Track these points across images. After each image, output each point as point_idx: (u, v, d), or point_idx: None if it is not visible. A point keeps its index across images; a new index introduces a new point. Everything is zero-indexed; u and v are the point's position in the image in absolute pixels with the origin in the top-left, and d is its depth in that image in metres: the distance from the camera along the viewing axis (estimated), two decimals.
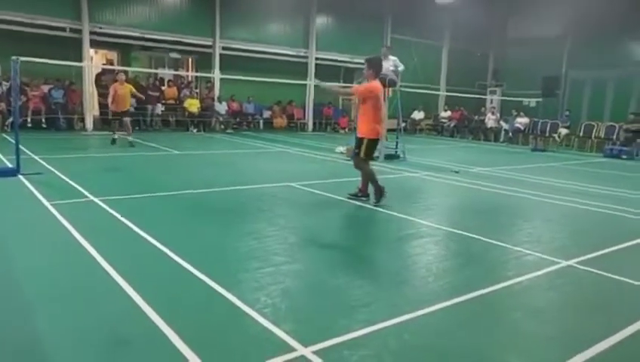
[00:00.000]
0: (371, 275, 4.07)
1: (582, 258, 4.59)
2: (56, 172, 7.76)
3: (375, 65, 6.56)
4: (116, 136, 11.52)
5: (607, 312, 3.51)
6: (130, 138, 11.65)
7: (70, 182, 7.07)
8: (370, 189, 6.60)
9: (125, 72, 16.70)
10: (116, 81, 11.59)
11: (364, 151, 6.48)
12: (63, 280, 3.63)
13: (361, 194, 6.68)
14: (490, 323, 3.27)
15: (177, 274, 3.78)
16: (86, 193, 6.35)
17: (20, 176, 7.21)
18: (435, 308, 3.35)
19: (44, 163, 8.51)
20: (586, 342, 2.95)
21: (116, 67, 16.90)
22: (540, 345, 3.01)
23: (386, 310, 3.29)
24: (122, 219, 5.17)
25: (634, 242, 5.30)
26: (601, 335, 3.05)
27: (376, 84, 6.48)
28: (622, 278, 4.12)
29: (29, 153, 9.25)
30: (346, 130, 20.36)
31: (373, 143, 6.49)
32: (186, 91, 17.81)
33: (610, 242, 5.18)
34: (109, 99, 11.36)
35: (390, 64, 11.69)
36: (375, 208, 6.36)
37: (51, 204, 5.67)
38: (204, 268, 3.83)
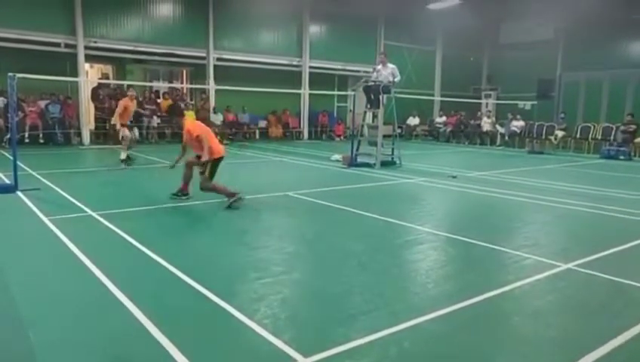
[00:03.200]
0: (370, 283, 4.06)
1: (582, 260, 4.60)
2: (54, 187, 7.76)
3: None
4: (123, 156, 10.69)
5: (609, 315, 3.51)
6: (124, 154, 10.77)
7: (68, 197, 7.06)
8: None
9: (121, 86, 16.85)
10: (125, 96, 11.04)
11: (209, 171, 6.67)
12: (61, 296, 3.62)
13: (182, 193, 7.08)
14: (491, 329, 3.27)
15: (176, 286, 3.77)
16: (84, 208, 6.34)
17: (19, 193, 7.20)
18: (436, 315, 3.34)
19: (42, 178, 8.50)
20: (588, 346, 2.95)
21: (112, 81, 16.94)
22: (541, 350, 3.01)
23: (386, 317, 3.28)
24: (124, 234, 5.17)
25: (634, 243, 5.30)
26: (603, 338, 3.05)
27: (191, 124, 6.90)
28: (622, 280, 4.12)
29: (27, 169, 9.24)
30: (342, 137, 20.41)
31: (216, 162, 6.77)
32: (181, 104, 17.78)
33: (609, 244, 5.18)
34: (117, 114, 10.57)
35: (389, 72, 11.77)
36: (373, 216, 6.36)
37: (49, 220, 5.66)
38: (203, 280, 3.82)
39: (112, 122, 11.09)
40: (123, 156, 10.61)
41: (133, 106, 10.97)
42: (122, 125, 10.53)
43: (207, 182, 6.61)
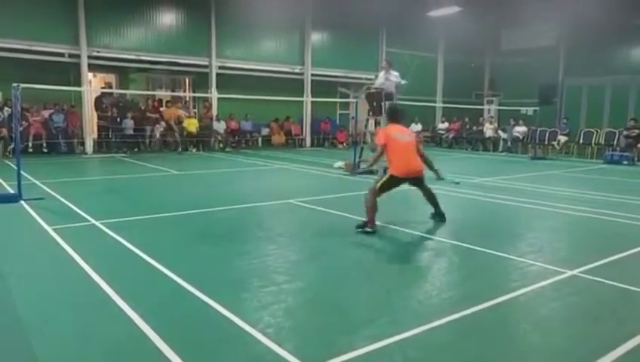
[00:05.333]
0: (374, 290, 4.04)
1: (586, 267, 4.57)
2: (57, 196, 7.77)
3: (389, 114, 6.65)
4: None
5: (614, 322, 3.48)
6: None
7: (72, 206, 7.08)
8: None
9: (124, 95, 16.95)
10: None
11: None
12: (64, 304, 3.62)
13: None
14: (495, 336, 3.25)
15: (179, 295, 3.76)
16: (87, 217, 6.35)
17: (22, 202, 7.21)
18: (440, 323, 3.32)
19: (45, 188, 8.53)
20: (594, 353, 2.92)
21: (115, 90, 17.02)
22: (546, 358, 2.99)
23: (390, 326, 3.26)
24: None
25: (639, 249, 5.27)
26: (609, 345, 3.02)
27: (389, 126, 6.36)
28: (628, 286, 4.09)
29: (31, 178, 9.27)
30: (344, 144, 20.42)
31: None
32: (184, 112, 17.87)
33: (614, 250, 5.15)
34: None
35: (392, 79, 11.77)
36: (377, 223, 6.33)
37: (53, 229, 5.67)
38: (207, 288, 3.81)
39: None
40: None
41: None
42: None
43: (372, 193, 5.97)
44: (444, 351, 3.01)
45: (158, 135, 12.19)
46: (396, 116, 6.47)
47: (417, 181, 6.26)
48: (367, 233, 5.77)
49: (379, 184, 6.00)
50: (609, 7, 18.10)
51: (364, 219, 5.91)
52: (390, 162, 6.09)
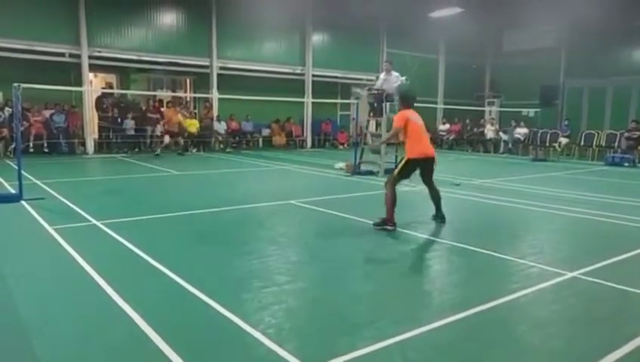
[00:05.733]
0: (374, 291, 4.05)
1: (587, 268, 4.57)
2: (58, 196, 7.78)
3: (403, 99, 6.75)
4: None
5: (614, 323, 3.48)
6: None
7: (72, 206, 7.08)
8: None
9: (125, 95, 16.96)
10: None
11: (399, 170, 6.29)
12: (65, 305, 3.62)
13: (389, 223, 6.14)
14: (495, 338, 3.25)
15: (180, 296, 3.77)
16: (88, 217, 6.36)
17: (23, 202, 7.22)
18: (440, 324, 3.32)
19: (46, 188, 8.54)
20: (594, 355, 2.92)
21: (115, 90, 17.04)
22: (546, 359, 2.99)
23: (390, 327, 3.26)
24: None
25: (639, 251, 5.26)
26: (609, 347, 3.02)
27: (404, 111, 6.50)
28: (628, 288, 4.09)
29: (32, 178, 9.28)
30: (345, 145, 20.42)
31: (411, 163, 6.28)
32: (184, 112, 17.86)
33: (614, 252, 5.15)
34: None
35: (392, 80, 11.80)
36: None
37: (54, 229, 5.67)
38: (207, 289, 3.82)
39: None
40: (158, 151, 14.85)
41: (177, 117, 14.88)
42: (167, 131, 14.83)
43: (391, 182, 6.16)
44: (445, 352, 3.01)
45: (167, 140, 14.76)
46: (410, 101, 6.60)
47: (430, 167, 6.35)
48: (388, 231, 5.89)
49: (396, 171, 6.21)
50: (610, 9, 18.13)
51: (382, 217, 6.01)
52: (408, 146, 6.26)
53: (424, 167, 6.33)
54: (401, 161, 6.37)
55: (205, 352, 2.91)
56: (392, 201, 6.05)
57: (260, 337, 3.06)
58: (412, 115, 6.40)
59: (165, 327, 3.17)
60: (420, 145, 6.24)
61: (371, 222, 6.24)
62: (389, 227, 5.97)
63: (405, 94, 6.84)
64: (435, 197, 6.52)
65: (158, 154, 14.67)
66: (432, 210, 6.53)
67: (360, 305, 3.69)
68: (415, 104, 6.69)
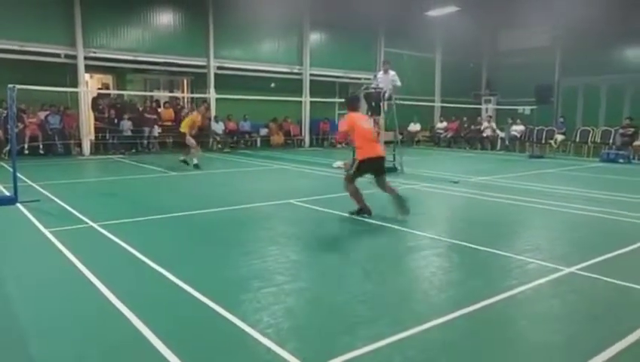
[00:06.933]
0: (374, 290, 4.04)
1: (584, 264, 4.58)
2: (54, 198, 7.75)
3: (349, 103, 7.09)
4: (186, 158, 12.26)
5: (612, 318, 3.49)
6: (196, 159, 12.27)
7: (68, 208, 7.05)
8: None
9: (121, 95, 16.89)
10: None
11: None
12: (62, 307, 3.60)
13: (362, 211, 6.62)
14: (494, 335, 3.25)
15: (179, 297, 3.75)
16: (84, 218, 6.33)
17: (18, 204, 7.19)
18: (439, 322, 3.32)
19: (42, 190, 8.50)
20: (593, 350, 2.92)
21: (111, 91, 16.98)
22: (546, 355, 2.99)
23: (390, 326, 3.26)
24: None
25: (635, 246, 5.28)
26: (607, 342, 3.03)
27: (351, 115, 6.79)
28: (625, 283, 4.10)
29: (27, 180, 9.24)
30: (343, 144, 20.40)
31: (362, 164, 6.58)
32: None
33: (611, 247, 5.16)
34: (187, 126, 12.24)
35: (389, 79, 11.83)
36: (375, 222, 6.35)
37: (50, 231, 5.64)
38: (206, 290, 3.80)
39: (182, 130, 12.57)
40: (195, 161, 12.17)
41: (200, 120, 12.94)
42: (190, 135, 12.23)
43: (348, 180, 6.57)
44: (444, 350, 3.01)
45: (196, 146, 12.23)
46: (356, 104, 7.04)
47: (380, 167, 6.61)
48: (365, 218, 6.39)
49: (351, 171, 6.56)
50: (604, 8, 18.20)
51: (357, 207, 6.54)
52: (357, 148, 6.63)
53: (374, 167, 6.53)
54: (354, 162, 6.64)
55: (204, 353, 2.90)
56: (356, 195, 6.53)
57: (260, 337, 3.05)
58: (359, 119, 6.74)
59: (163, 329, 3.15)
60: (367, 147, 6.50)
61: (370, 221, 6.26)
62: (366, 216, 6.46)
63: (350, 98, 7.32)
64: (394, 198, 6.53)
65: (196, 164, 12.18)
66: (431, 207, 6.54)
67: (359, 304, 3.69)
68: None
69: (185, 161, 12.24)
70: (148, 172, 11.77)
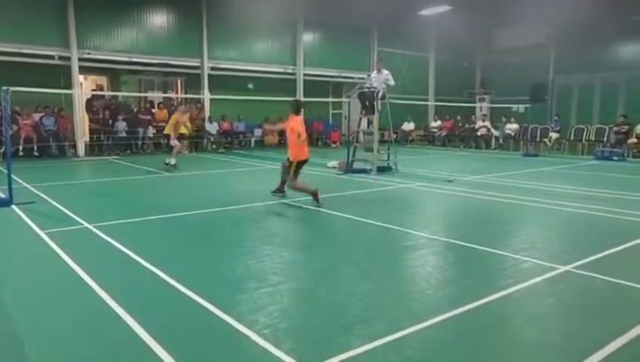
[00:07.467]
0: (370, 290, 4.05)
1: (580, 262, 4.60)
2: (49, 200, 7.71)
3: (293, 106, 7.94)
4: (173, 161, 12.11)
5: (608, 316, 3.51)
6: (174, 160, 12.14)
7: (63, 209, 7.02)
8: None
9: (115, 97, 16.82)
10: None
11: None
12: (57, 309, 3.59)
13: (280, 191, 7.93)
14: (491, 333, 3.26)
15: (174, 298, 3.74)
16: (79, 220, 6.31)
17: (13, 206, 7.15)
18: (436, 321, 3.33)
19: (37, 191, 8.46)
20: (588, 349, 2.94)
21: (106, 92, 16.91)
22: (542, 354, 3.00)
23: (386, 325, 3.27)
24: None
25: (630, 244, 5.31)
26: (603, 340, 3.04)
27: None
28: (620, 281, 4.12)
29: (22, 182, 9.18)
30: (338, 144, 20.42)
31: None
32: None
33: (607, 245, 5.19)
34: (171, 125, 12.36)
35: (382, 78, 11.84)
36: (371, 222, 6.36)
37: (45, 233, 5.62)
38: (202, 290, 3.80)
39: (165, 132, 12.80)
40: (173, 162, 12.07)
41: (184, 120, 12.88)
42: (174, 136, 12.30)
43: (291, 181, 7.58)
44: (440, 349, 3.01)
45: (178, 145, 12.32)
46: (300, 109, 7.86)
47: (303, 165, 7.73)
48: (319, 206, 7.16)
49: (291, 173, 7.54)
50: (597, 6, 18.26)
51: (310, 198, 7.42)
52: (290, 150, 7.58)
53: (302, 165, 7.69)
54: (290, 163, 7.57)
55: (200, 354, 2.90)
56: (303, 187, 7.57)
57: (256, 338, 3.05)
58: (297, 124, 7.59)
59: (159, 329, 3.15)
60: (298, 151, 7.55)
61: (365, 220, 6.28)
62: (320, 201, 7.30)
63: (296, 103, 8.06)
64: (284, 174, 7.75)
65: (174, 165, 12.00)
66: (426, 207, 6.55)
67: (355, 304, 3.69)
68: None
69: (173, 165, 12.01)
70: (143, 173, 11.73)
